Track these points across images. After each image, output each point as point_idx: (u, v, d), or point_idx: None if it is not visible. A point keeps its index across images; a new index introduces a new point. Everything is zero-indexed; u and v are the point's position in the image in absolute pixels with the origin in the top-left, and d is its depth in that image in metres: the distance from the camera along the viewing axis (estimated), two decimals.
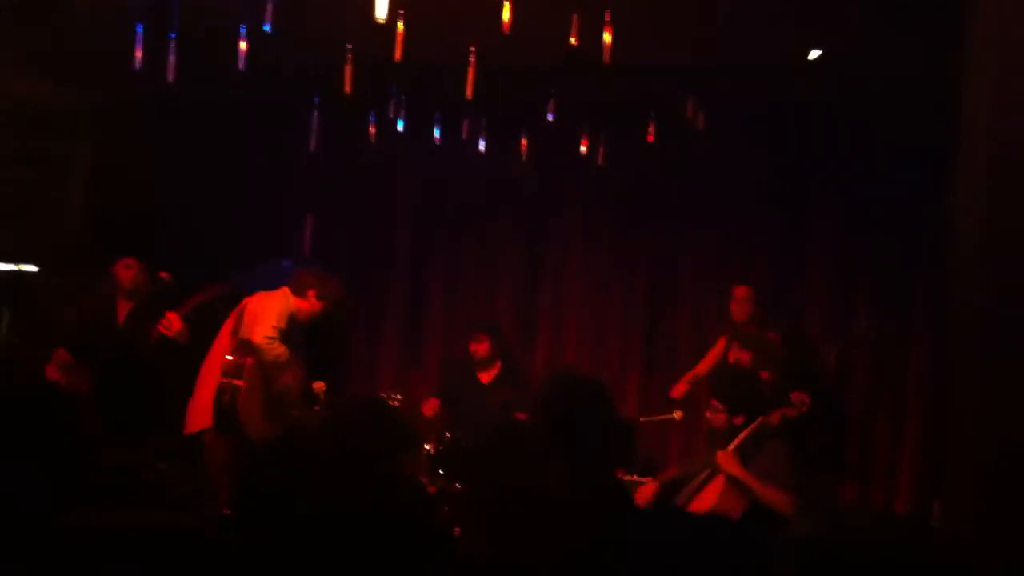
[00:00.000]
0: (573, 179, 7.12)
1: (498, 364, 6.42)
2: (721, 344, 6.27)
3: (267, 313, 5.55)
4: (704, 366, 6.35)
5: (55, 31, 5.76)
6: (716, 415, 5.26)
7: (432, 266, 7.56)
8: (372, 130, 6.26)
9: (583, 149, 6.20)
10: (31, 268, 7.14)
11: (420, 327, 7.52)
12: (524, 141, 6.31)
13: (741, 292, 6.11)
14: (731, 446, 5.00)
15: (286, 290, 5.69)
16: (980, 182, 4.05)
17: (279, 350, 5.47)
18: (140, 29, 5.07)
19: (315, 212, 7.48)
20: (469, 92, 4.82)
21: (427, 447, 5.74)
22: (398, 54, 4.55)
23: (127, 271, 5.95)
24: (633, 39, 4.80)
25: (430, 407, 6.32)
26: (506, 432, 4.93)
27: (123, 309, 5.98)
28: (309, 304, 5.67)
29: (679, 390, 6.27)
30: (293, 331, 5.63)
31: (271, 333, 5.47)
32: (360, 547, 2.81)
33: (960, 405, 3.96)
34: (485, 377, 6.39)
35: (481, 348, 6.35)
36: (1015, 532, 3.72)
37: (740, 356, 5.78)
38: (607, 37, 4.60)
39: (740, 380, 5.53)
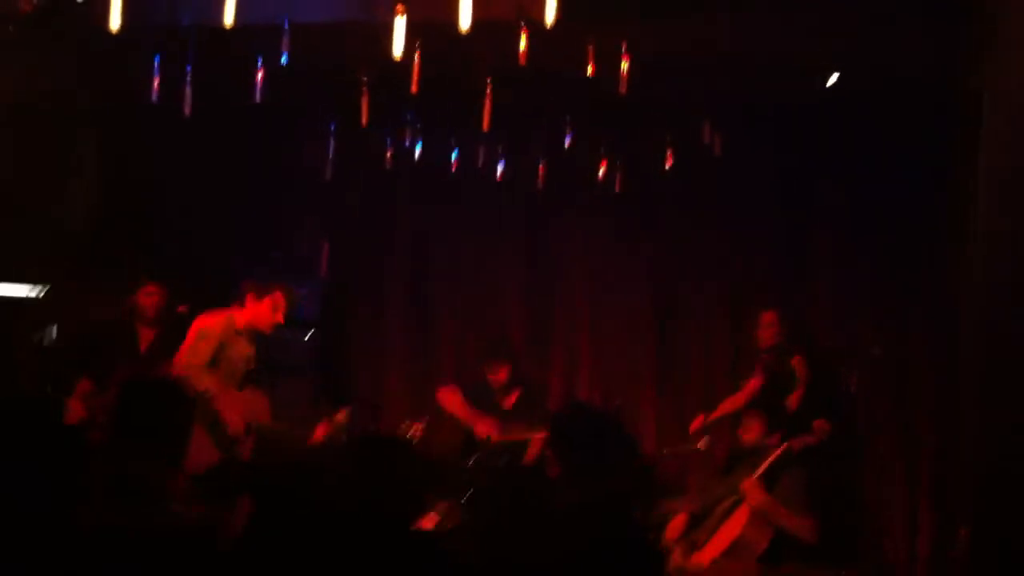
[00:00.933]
0: (580, 187, 7.04)
1: (518, 389, 6.38)
2: (753, 385, 6.16)
3: (192, 340, 5.32)
4: (731, 405, 6.25)
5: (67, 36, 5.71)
6: (748, 433, 5.24)
7: (442, 285, 7.51)
8: (388, 155, 6.25)
9: (601, 172, 6.17)
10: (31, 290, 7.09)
11: (429, 343, 7.48)
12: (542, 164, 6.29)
13: (768, 318, 6.03)
14: (755, 474, 4.98)
15: (234, 309, 5.48)
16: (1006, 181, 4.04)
17: (197, 380, 5.16)
18: (157, 60, 5.09)
19: (323, 225, 7.44)
20: (486, 124, 4.82)
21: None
22: (415, 87, 4.56)
23: (149, 299, 5.89)
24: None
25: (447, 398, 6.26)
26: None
27: (144, 337, 5.95)
28: (264, 316, 5.46)
29: (697, 424, 6.16)
30: (232, 355, 5.40)
31: (188, 362, 5.24)
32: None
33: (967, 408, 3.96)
34: (507, 402, 6.35)
35: (501, 375, 6.31)
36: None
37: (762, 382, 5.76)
38: (624, 66, 4.60)
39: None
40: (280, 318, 5.54)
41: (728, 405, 5.99)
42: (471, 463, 5.75)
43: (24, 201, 6.94)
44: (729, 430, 5.89)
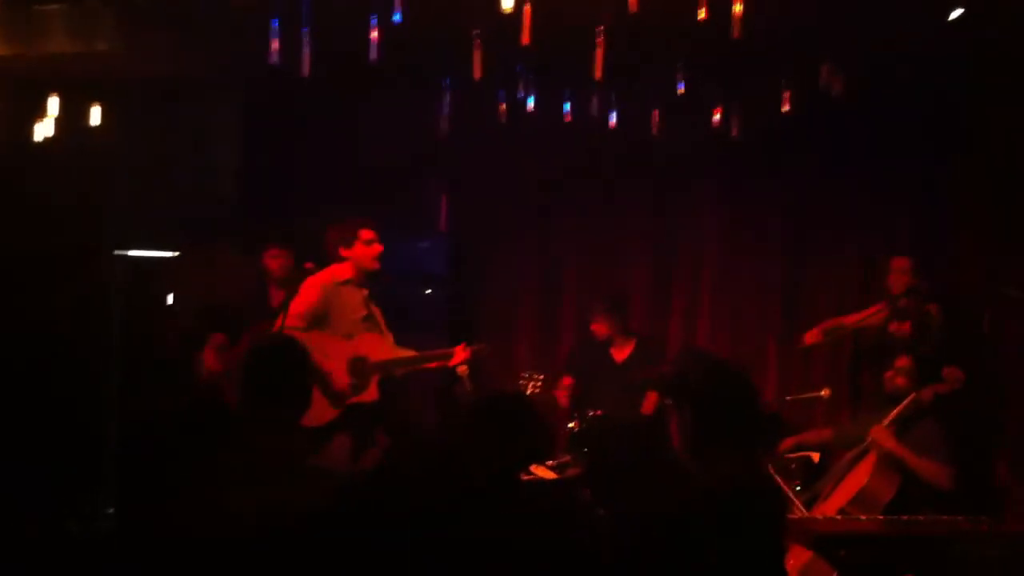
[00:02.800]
0: (703, 142, 6.95)
1: (632, 341, 6.37)
2: (874, 309, 6.05)
3: (296, 299, 5.37)
4: (851, 319, 6.12)
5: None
6: (898, 376, 5.13)
7: (564, 239, 7.54)
8: (502, 108, 6.26)
9: (716, 118, 6.06)
10: (172, 253, 7.39)
11: (554, 301, 7.51)
12: (656, 112, 6.21)
13: (899, 264, 5.90)
14: (884, 421, 4.89)
15: (334, 265, 5.53)
16: None
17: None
18: (276, 23, 5.20)
19: (448, 189, 7.54)
20: (598, 73, 4.78)
21: (570, 425, 5.77)
22: (526, 38, 4.55)
23: (274, 260, 6.10)
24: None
25: (563, 391, 6.28)
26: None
27: (275, 296, 6.13)
28: (366, 254, 5.49)
29: (813, 335, 6.07)
30: (342, 308, 5.44)
31: (287, 324, 5.27)
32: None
33: None
34: (619, 355, 6.35)
35: (601, 328, 6.30)
36: None
37: (901, 327, 5.60)
38: (737, 8, 4.49)
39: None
40: (378, 248, 5.52)
41: (849, 319, 5.95)
42: (590, 415, 5.79)
43: (161, 170, 7.25)
44: (849, 379, 5.80)
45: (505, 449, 3.11)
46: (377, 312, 5.61)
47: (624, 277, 7.36)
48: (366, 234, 5.53)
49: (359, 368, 5.37)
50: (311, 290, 5.41)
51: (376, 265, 5.53)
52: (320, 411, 5.28)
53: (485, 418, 3.19)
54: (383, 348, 5.46)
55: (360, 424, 5.29)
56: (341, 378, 5.34)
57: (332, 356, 5.35)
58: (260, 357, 3.32)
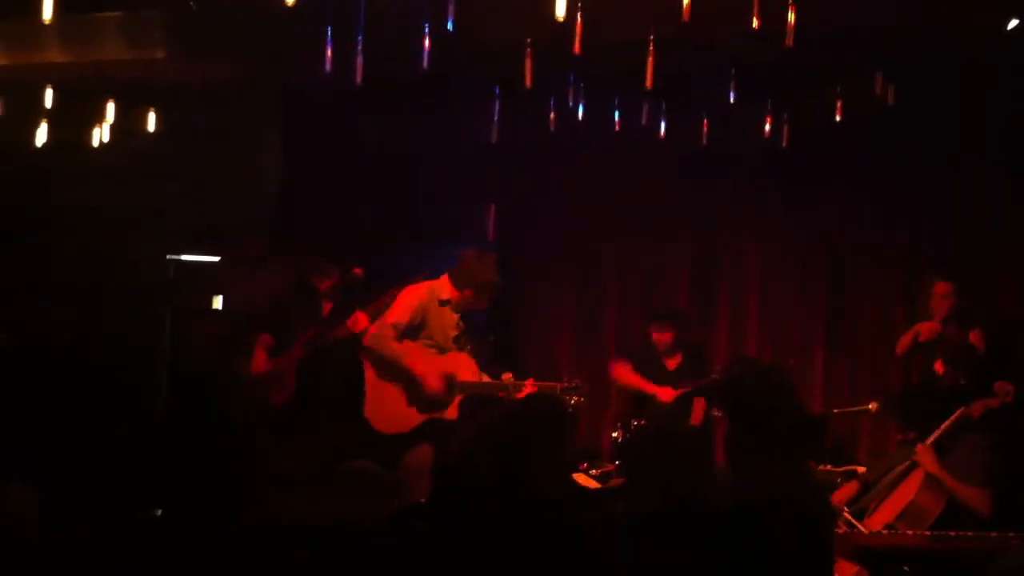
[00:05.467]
0: (750, 154, 6.92)
1: (682, 351, 6.37)
2: (913, 332, 5.98)
3: (393, 308, 5.51)
4: (898, 349, 6.06)
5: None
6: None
7: (607, 248, 7.53)
8: (552, 116, 6.27)
9: (767, 128, 6.03)
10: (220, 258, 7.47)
11: (598, 311, 7.50)
12: (705, 122, 6.19)
13: (942, 289, 5.82)
14: (929, 439, 4.83)
15: (443, 279, 5.61)
16: None
17: (382, 347, 5.42)
18: (329, 31, 5.25)
19: (496, 197, 7.56)
20: (649, 82, 4.78)
21: (614, 434, 5.76)
22: (577, 47, 4.56)
23: (319, 282, 6.23)
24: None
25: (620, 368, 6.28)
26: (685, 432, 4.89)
27: (326, 305, 6.25)
28: (465, 297, 5.56)
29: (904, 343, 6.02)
30: (438, 323, 5.55)
31: (379, 330, 5.41)
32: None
33: None
34: (671, 363, 6.36)
35: (664, 337, 6.31)
36: None
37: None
38: (791, 17, 4.48)
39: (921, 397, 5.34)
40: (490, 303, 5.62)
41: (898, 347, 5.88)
42: (634, 424, 5.77)
43: (210, 176, 7.35)
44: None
45: (546, 450, 3.13)
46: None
47: (668, 287, 7.33)
48: (492, 290, 5.59)
49: (448, 384, 5.46)
50: (409, 305, 5.51)
51: (482, 306, 5.62)
52: (406, 419, 5.36)
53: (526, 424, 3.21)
54: (470, 370, 5.54)
55: (440, 438, 5.34)
56: (434, 384, 5.42)
57: (425, 366, 5.45)
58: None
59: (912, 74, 5.92)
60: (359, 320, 5.66)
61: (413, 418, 5.45)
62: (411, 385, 5.46)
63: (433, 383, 5.43)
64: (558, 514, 3.04)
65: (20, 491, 3.03)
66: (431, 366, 5.49)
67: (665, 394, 6.11)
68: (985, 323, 5.64)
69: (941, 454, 4.83)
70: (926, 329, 5.95)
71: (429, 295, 5.55)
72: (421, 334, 5.54)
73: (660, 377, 6.29)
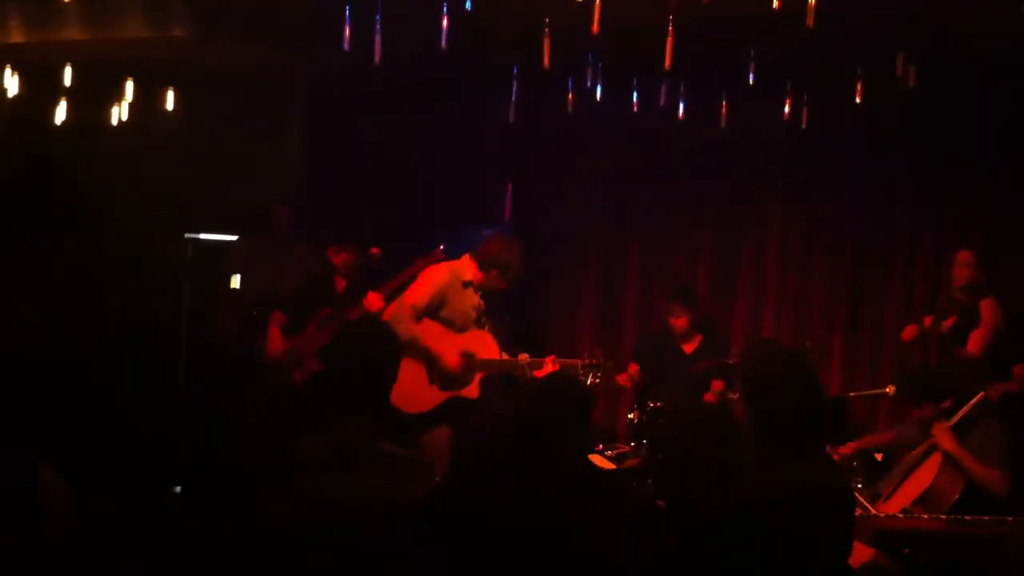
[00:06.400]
0: (773, 138, 6.90)
1: (700, 335, 6.36)
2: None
3: (412, 288, 5.50)
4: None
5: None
6: (923, 412, 5.08)
7: (626, 231, 7.52)
8: (570, 97, 6.24)
9: (787, 110, 5.99)
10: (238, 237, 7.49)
11: (617, 293, 7.51)
12: (724, 103, 6.16)
13: (963, 257, 5.85)
14: (949, 422, 4.81)
15: (465, 259, 5.61)
16: None
17: (402, 328, 5.29)
18: (348, 10, 5.24)
19: (514, 179, 7.56)
20: (668, 62, 4.75)
21: (630, 416, 5.76)
22: (596, 27, 4.54)
23: (336, 257, 6.23)
24: None
25: (625, 375, 6.27)
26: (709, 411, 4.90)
27: (339, 283, 6.27)
28: (489, 279, 5.55)
29: (909, 332, 6.03)
30: (459, 304, 5.55)
31: (397, 311, 5.39)
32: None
33: None
34: (688, 347, 6.35)
35: (680, 322, 6.30)
36: None
37: (945, 323, 5.56)
38: None
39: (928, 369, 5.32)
40: (507, 285, 5.57)
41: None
42: (650, 406, 5.78)
43: (234, 160, 7.37)
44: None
45: (568, 435, 3.13)
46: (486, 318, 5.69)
47: (688, 270, 7.32)
48: (515, 274, 5.56)
49: (467, 363, 5.46)
50: (429, 286, 5.51)
51: (502, 289, 5.59)
52: (426, 398, 5.37)
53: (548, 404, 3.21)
54: (491, 348, 5.53)
55: (460, 417, 5.36)
56: (452, 361, 5.44)
57: (444, 344, 5.45)
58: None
59: (935, 57, 5.86)
60: (374, 301, 5.66)
61: (434, 397, 5.46)
62: (430, 364, 5.47)
63: (451, 360, 5.45)
64: (573, 499, 3.04)
65: (49, 470, 3.05)
66: (450, 344, 5.49)
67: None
68: (999, 295, 5.66)
69: (959, 437, 4.83)
70: (907, 333, 6.01)
71: (451, 275, 5.56)
72: (441, 314, 5.54)
73: (677, 361, 6.28)
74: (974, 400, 4.91)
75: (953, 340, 5.67)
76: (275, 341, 6.10)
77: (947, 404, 4.80)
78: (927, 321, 6.04)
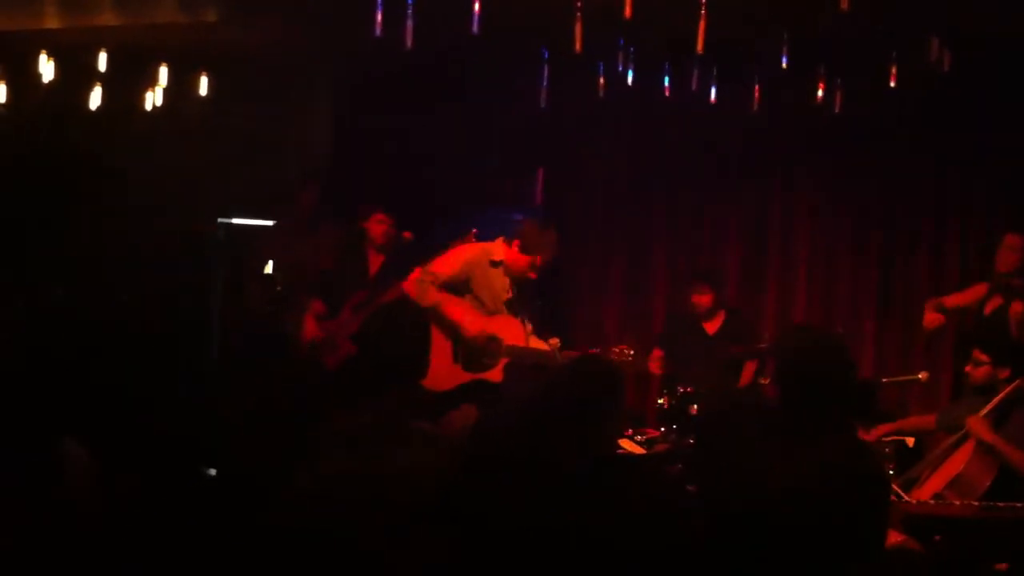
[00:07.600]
0: (804, 124, 6.85)
1: (722, 314, 6.36)
2: (978, 289, 5.92)
3: (439, 258, 5.47)
4: (953, 300, 5.98)
5: None
6: (979, 368, 5.03)
7: (656, 216, 7.50)
8: (601, 82, 6.23)
9: (819, 94, 5.94)
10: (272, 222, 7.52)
11: (645, 280, 7.49)
12: (756, 88, 6.12)
13: (1012, 241, 5.72)
14: (984, 410, 4.79)
15: (497, 242, 5.58)
16: None
17: (423, 293, 5.35)
18: None
19: (543, 164, 7.55)
20: (700, 46, 4.73)
21: (660, 401, 5.77)
22: (628, 11, 4.53)
23: (380, 226, 6.17)
24: None
25: (655, 362, 6.27)
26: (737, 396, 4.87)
27: (373, 262, 6.22)
28: (519, 260, 5.50)
29: (931, 319, 5.92)
30: (486, 284, 5.52)
31: (421, 276, 5.35)
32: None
33: None
34: (711, 327, 6.34)
35: (704, 299, 6.29)
36: None
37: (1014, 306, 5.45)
38: None
39: (1005, 331, 5.25)
40: (534, 272, 5.50)
41: (950, 299, 5.81)
42: (680, 391, 5.77)
43: (262, 139, 7.40)
44: (952, 361, 5.67)
45: (600, 419, 3.13)
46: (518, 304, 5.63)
47: (717, 252, 7.30)
48: (541, 259, 5.50)
49: (493, 344, 5.43)
50: (456, 260, 5.50)
51: (526, 275, 5.52)
52: (450, 376, 5.37)
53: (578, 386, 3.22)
54: (519, 334, 5.47)
55: (483, 399, 5.36)
56: (472, 330, 5.43)
57: (471, 319, 5.45)
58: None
59: (967, 43, 5.80)
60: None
61: (458, 376, 5.46)
62: (454, 338, 5.45)
63: (472, 329, 5.41)
64: (603, 483, 3.04)
65: (77, 448, 3.08)
66: (477, 321, 5.47)
67: None
68: None
69: (995, 425, 4.80)
70: (949, 302, 5.91)
71: (481, 254, 5.54)
72: (468, 294, 5.53)
73: (699, 342, 6.27)
74: (1009, 388, 4.88)
75: (994, 325, 5.53)
76: (309, 327, 6.11)
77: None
78: (947, 301, 5.93)
